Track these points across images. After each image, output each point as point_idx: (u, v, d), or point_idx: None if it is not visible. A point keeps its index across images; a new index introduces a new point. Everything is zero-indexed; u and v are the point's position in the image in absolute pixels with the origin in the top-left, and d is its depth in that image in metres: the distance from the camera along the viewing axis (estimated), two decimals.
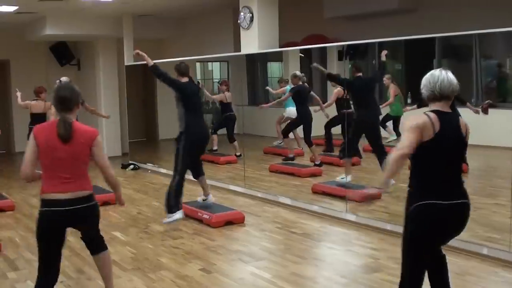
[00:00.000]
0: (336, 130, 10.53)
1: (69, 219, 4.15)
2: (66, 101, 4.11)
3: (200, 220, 7.44)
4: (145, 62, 7.40)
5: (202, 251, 6.29)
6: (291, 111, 10.99)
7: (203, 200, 7.93)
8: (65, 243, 4.29)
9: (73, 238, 6.89)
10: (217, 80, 16.45)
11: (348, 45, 8.19)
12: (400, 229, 6.61)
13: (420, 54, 10.95)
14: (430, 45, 10.14)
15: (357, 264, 5.80)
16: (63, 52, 14.92)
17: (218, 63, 16.04)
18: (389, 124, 10.76)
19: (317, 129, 10.82)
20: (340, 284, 5.21)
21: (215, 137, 12.38)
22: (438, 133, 3.54)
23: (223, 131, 12.43)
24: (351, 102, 9.25)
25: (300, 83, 10.53)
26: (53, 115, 8.30)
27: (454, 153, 3.68)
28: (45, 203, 4.09)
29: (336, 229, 7.11)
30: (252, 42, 9.28)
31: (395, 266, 5.53)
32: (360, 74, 8.81)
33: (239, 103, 12.02)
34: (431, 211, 3.60)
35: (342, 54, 9.72)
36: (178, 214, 7.17)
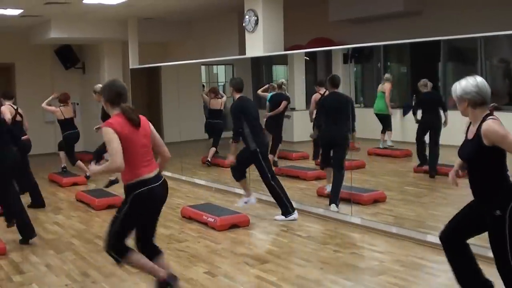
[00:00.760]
0: None
1: (164, 192, 4.66)
2: (124, 94, 4.54)
3: (205, 223, 7.44)
4: (149, 65, 7.44)
5: (207, 254, 6.29)
6: None
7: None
8: None
9: (77, 241, 6.92)
10: (222, 83, 16.47)
11: (353, 48, 8.18)
12: (405, 231, 6.63)
13: (425, 57, 10.95)
14: (435, 48, 10.13)
15: (362, 267, 5.79)
16: (68, 56, 14.96)
17: (223, 66, 16.06)
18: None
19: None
20: (345, 286, 5.20)
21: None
22: None
23: (227, 134, 12.43)
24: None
25: (276, 91, 10.76)
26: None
27: None
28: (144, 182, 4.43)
29: (341, 232, 7.10)
30: (257, 45, 9.27)
31: (400, 269, 5.52)
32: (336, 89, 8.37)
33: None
34: None
35: (347, 57, 9.75)
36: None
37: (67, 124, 10.95)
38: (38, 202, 8.72)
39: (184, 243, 6.72)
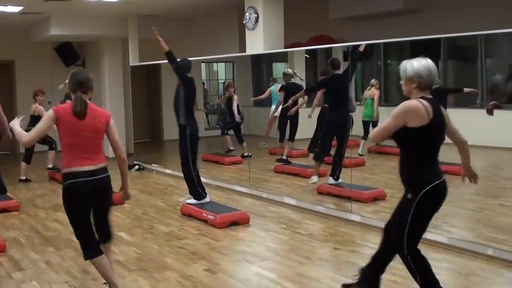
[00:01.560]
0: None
1: (94, 188, 4.54)
2: (84, 83, 4.57)
3: (205, 221, 7.44)
4: (149, 63, 7.46)
5: (207, 251, 6.29)
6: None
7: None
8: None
9: None
10: (222, 81, 16.48)
11: (353, 46, 8.19)
12: None
13: (425, 55, 10.91)
14: (436, 46, 10.12)
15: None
16: (68, 53, 14.95)
17: (223, 63, 16.05)
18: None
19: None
20: None
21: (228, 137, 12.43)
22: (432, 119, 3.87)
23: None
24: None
25: (292, 80, 10.60)
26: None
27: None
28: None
29: (341, 229, 7.10)
30: (257, 43, 9.27)
31: (400, 266, 5.51)
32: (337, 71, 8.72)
33: (244, 104, 12.02)
34: None
35: (347, 54, 9.71)
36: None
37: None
38: None
39: (184, 240, 6.73)
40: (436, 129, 3.94)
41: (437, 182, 4.02)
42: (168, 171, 11.60)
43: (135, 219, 7.86)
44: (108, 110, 13.21)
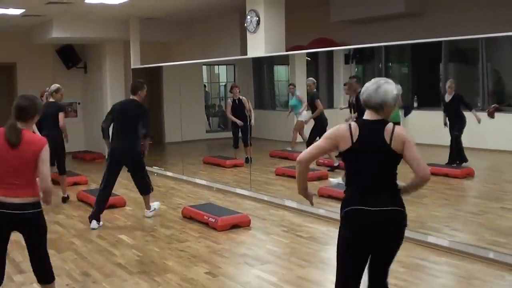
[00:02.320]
0: None
1: (7, 223, 4.17)
2: (22, 110, 4.20)
3: (206, 224, 7.44)
4: (151, 65, 7.45)
5: (208, 254, 6.29)
6: (304, 115, 11.06)
7: None
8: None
9: (78, 241, 6.93)
10: (223, 84, 16.50)
11: (355, 49, 8.19)
12: (406, 232, 6.62)
13: (427, 58, 10.95)
14: (437, 49, 10.13)
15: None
16: (70, 55, 14.96)
17: (225, 66, 16.07)
18: None
19: None
20: None
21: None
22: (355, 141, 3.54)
23: (228, 134, 12.47)
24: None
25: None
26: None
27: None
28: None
29: None
30: (258, 46, 9.28)
31: (400, 269, 5.52)
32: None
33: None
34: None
35: (348, 57, 9.75)
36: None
37: None
38: None
39: (185, 243, 6.72)
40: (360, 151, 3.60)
41: (355, 207, 3.56)
42: (169, 173, 11.59)
43: (136, 222, 7.85)
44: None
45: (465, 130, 9.00)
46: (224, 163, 11.83)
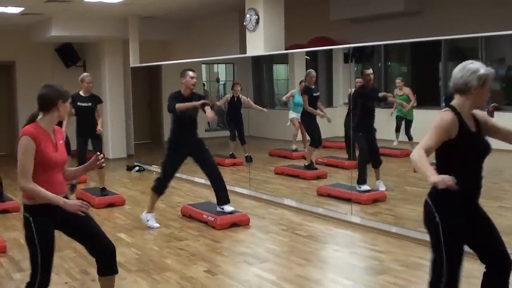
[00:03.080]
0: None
1: None
2: (37, 100, 4.21)
3: (205, 222, 7.44)
4: (150, 64, 7.44)
5: (207, 253, 6.29)
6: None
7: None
8: None
9: None
10: (223, 82, 16.48)
11: (354, 48, 8.19)
12: (404, 231, 6.63)
13: (426, 57, 10.94)
14: (436, 48, 10.12)
15: (362, 267, 5.79)
16: (69, 54, 14.95)
17: (224, 65, 16.05)
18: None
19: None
20: (345, 286, 5.20)
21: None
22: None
23: (226, 133, 12.46)
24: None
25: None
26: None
27: None
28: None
29: (341, 231, 7.11)
30: (257, 44, 9.27)
31: (400, 268, 5.53)
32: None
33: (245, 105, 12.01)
34: None
35: (348, 56, 9.70)
36: None
37: None
38: None
39: (184, 242, 6.72)
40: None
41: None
42: None
43: (135, 220, 7.85)
44: (109, 111, 13.21)
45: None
46: (223, 162, 11.81)
